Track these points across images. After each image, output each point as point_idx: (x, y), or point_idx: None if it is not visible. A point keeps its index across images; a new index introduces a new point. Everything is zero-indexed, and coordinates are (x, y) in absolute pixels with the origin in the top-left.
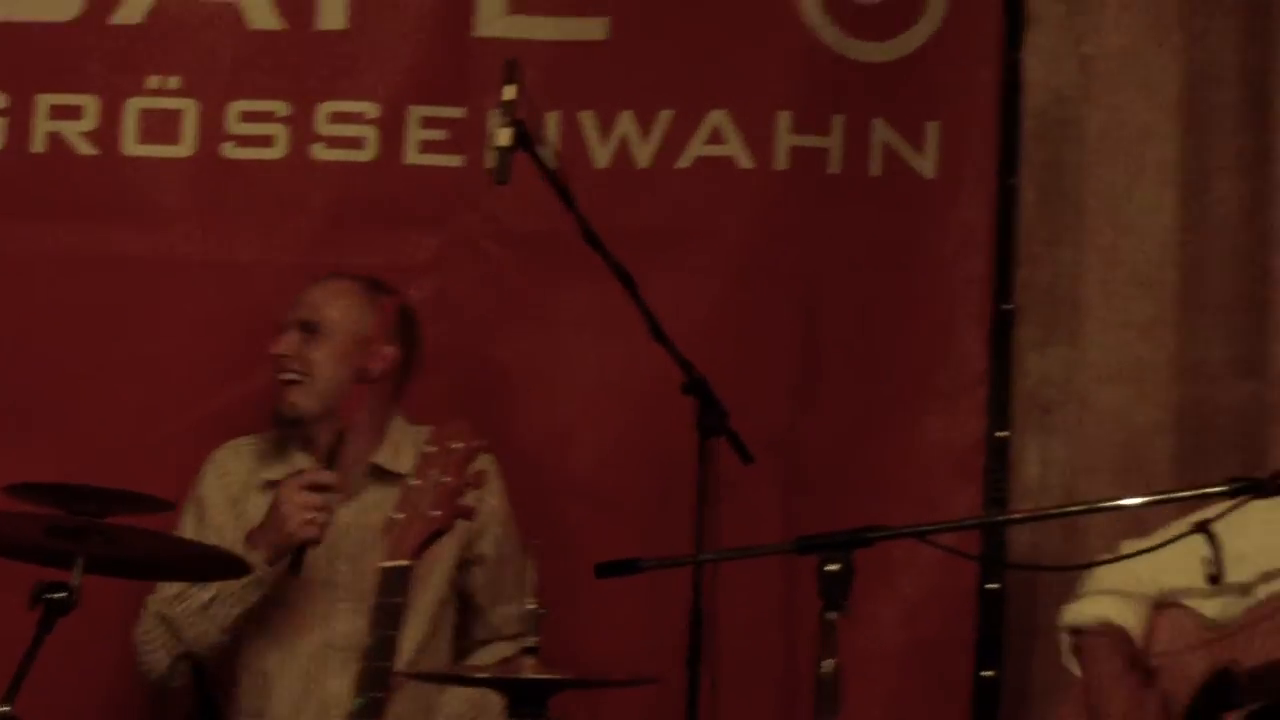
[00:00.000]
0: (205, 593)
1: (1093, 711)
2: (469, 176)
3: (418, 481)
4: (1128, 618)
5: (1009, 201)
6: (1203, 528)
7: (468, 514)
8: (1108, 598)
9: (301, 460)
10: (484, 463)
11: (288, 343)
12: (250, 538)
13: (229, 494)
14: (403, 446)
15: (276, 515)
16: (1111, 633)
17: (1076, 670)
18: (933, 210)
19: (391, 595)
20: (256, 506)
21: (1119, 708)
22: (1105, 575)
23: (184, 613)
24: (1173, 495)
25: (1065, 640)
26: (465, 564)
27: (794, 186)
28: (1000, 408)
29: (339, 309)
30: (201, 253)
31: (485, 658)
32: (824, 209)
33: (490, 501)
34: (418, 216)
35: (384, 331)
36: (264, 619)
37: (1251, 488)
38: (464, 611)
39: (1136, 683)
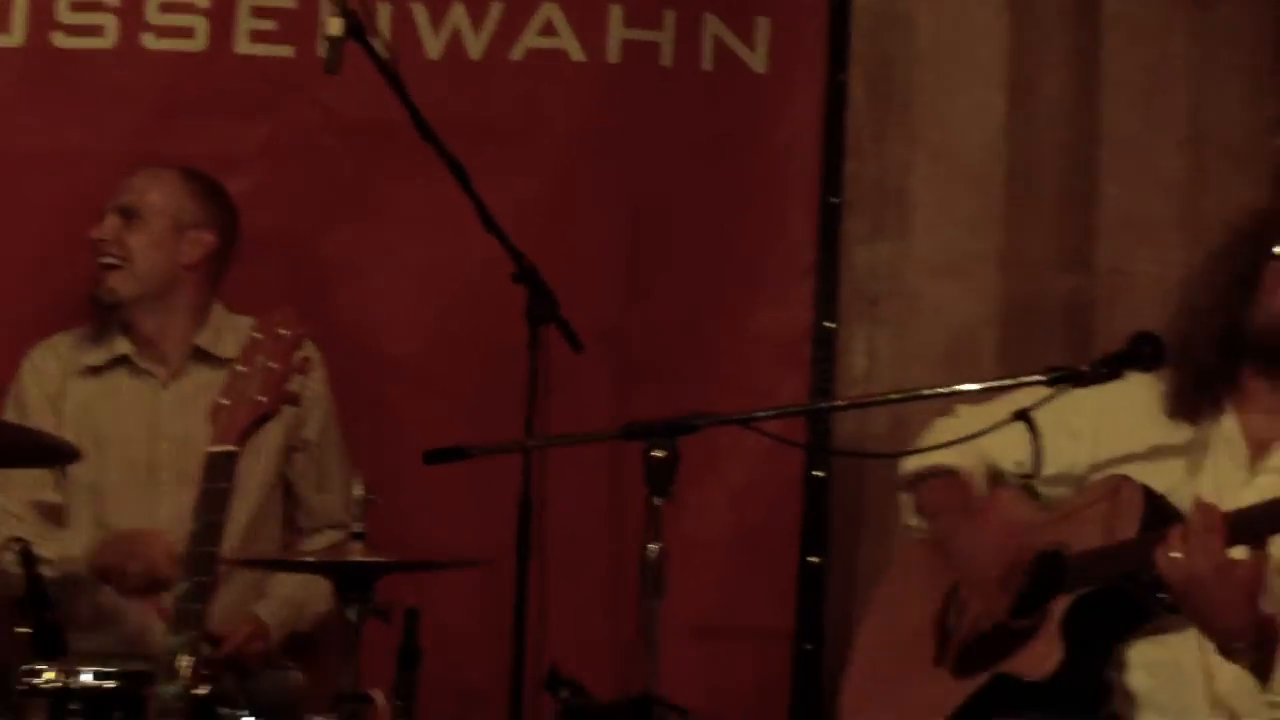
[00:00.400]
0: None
1: (941, 547)
2: (300, 66)
3: (244, 367)
4: (967, 466)
5: (839, 97)
6: (1023, 415)
7: (294, 400)
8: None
9: (122, 345)
10: (308, 349)
11: (108, 227)
12: (96, 554)
13: (46, 393)
14: (224, 331)
15: (121, 559)
16: (953, 476)
17: (914, 523)
18: (763, 104)
19: (217, 480)
20: (77, 395)
21: (965, 541)
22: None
23: None
24: (994, 384)
25: (907, 499)
26: (289, 450)
27: (626, 79)
28: (828, 299)
29: (159, 195)
30: (31, 142)
31: (311, 545)
32: (656, 102)
33: (314, 388)
34: (248, 106)
35: (203, 218)
36: (89, 503)
37: (1069, 377)
38: (288, 499)
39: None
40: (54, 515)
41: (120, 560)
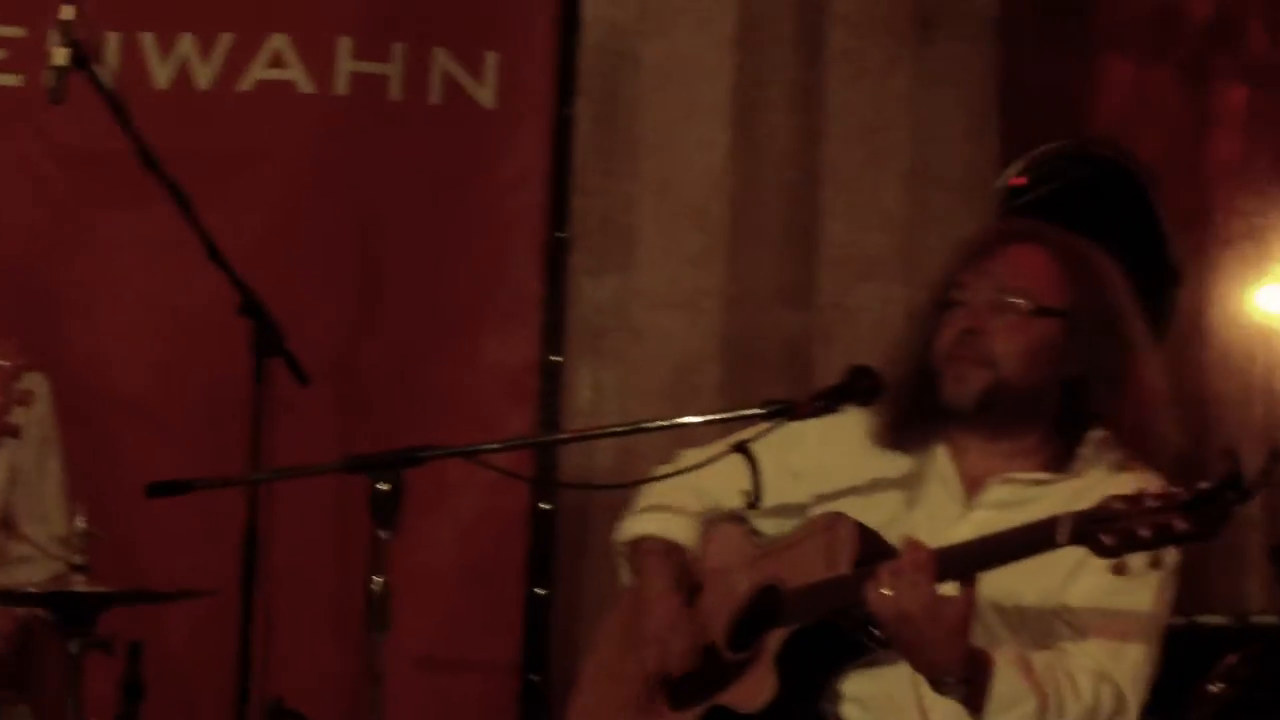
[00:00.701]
0: None
1: (635, 623)
2: (27, 96)
3: None
4: (677, 533)
5: (566, 132)
6: (741, 448)
7: (13, 432)
8: (658, 514)
9: None
10: (32, 381)
11: None
12: None
13: None
14: None
15: None
16: (662, 547)
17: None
18: (491, 139)
19: None
20: None
21: (657, 622)
22: (660, 491)
23: None
24: (715, 417)
25: (623, 558)
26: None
27: (354, 112)
28: (554, 333)
29: None
30: None
31: (30, 574)
32: (384, 135)
33: (35, 418)
34: None
35: None
36: None
37: (786, 410)
38: (4, 529)
39: (679, 599)
40: None
41: None
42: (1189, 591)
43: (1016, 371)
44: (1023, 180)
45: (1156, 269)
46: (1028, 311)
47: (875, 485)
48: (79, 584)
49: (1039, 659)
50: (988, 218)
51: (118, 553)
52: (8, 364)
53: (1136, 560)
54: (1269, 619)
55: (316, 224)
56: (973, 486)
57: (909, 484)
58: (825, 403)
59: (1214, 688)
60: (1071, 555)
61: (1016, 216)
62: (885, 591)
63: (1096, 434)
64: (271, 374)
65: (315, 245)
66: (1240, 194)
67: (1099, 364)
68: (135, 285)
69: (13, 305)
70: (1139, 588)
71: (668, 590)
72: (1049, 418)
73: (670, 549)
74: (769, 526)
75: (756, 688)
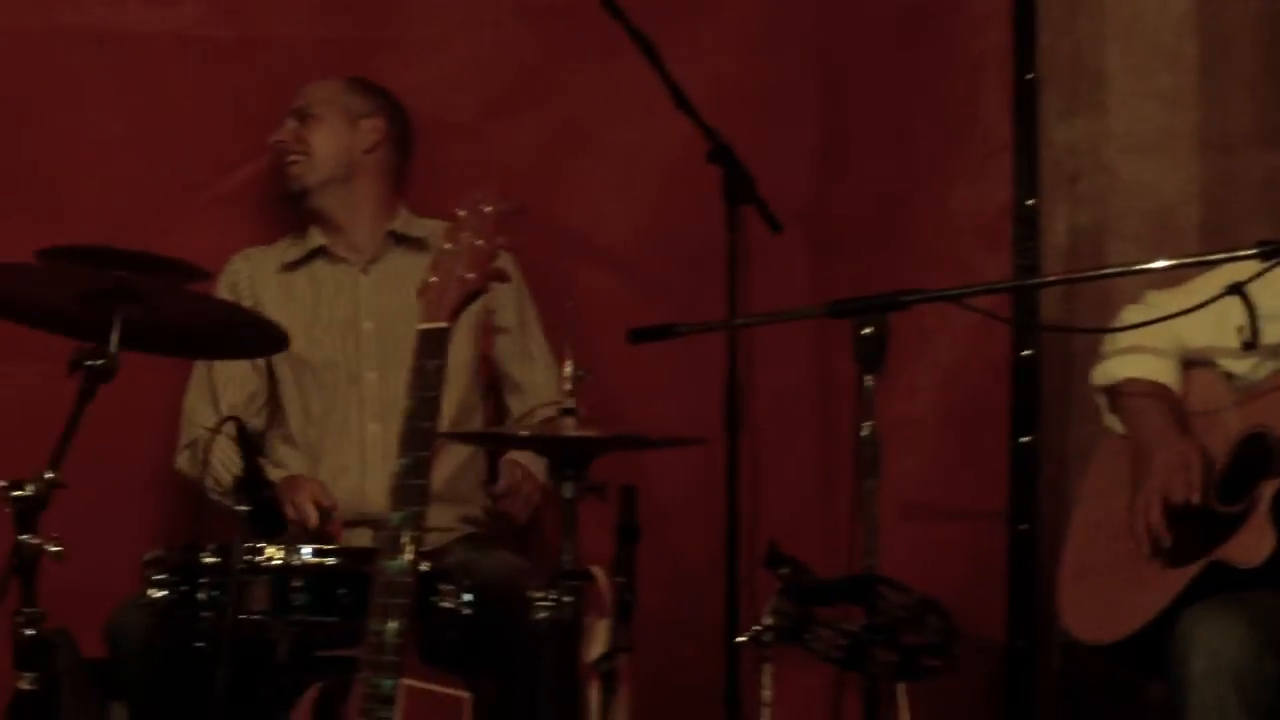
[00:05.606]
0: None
1: (1140, 463)
2: None
3: (450, 245)
4: (1162, 373)
5: None
6: (1237, 289)
7: (502, 276)
8: (1137, 355)
9: (317, 237)
10: (504, 261)
11: (286, 130)
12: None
13: (239, 295)
14: (414, 223)
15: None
16: (1149, 389)
17: (1119, 428)
18: None
19: (431, 357)
20: (275, 291)
21: (1164, 460)
22: (1129, 335)
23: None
24: (1204, 258)
25: (1102, 401)
26: (489, 332)
27: None
28: (1027, 176)
29: (326, 92)
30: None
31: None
32: None
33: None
34: None
35: (370, 108)
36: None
37: None
38: (500, 387)
39: (1179, 433)
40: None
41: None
42: None
43: None
44: None
45: None
46: None
47: None
48: (569, 427)
49: None
50: None
51: (603, 400)
52: (493, 208)
53: None
54: None
55: (778, 68)
56: None
57: None
58: None
59: None
60: None
61: None
62: None
63: None
64: (744, 221)
65: (782, 89)
66: None
67: None
68: (607, 135)
69: (484, 161)
70: None
71: (1169, 429)
72: None
73: (1157, 389)
74: (1243, 368)
75: (1255, 541)
